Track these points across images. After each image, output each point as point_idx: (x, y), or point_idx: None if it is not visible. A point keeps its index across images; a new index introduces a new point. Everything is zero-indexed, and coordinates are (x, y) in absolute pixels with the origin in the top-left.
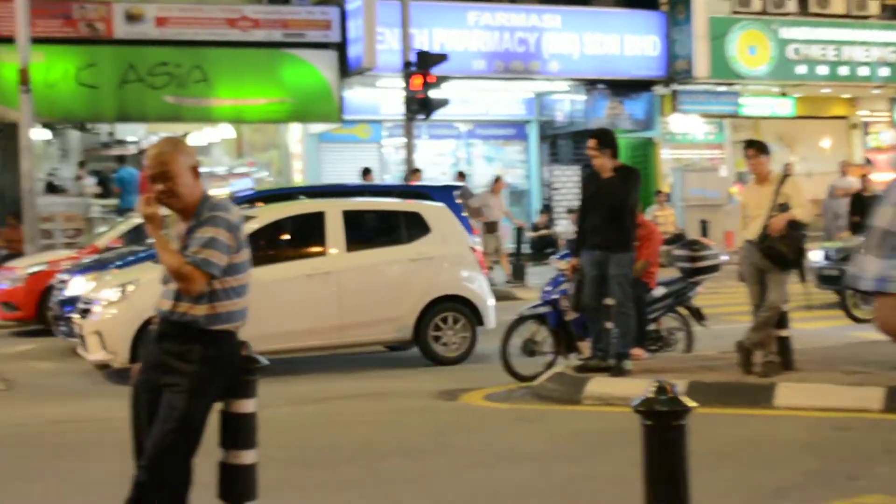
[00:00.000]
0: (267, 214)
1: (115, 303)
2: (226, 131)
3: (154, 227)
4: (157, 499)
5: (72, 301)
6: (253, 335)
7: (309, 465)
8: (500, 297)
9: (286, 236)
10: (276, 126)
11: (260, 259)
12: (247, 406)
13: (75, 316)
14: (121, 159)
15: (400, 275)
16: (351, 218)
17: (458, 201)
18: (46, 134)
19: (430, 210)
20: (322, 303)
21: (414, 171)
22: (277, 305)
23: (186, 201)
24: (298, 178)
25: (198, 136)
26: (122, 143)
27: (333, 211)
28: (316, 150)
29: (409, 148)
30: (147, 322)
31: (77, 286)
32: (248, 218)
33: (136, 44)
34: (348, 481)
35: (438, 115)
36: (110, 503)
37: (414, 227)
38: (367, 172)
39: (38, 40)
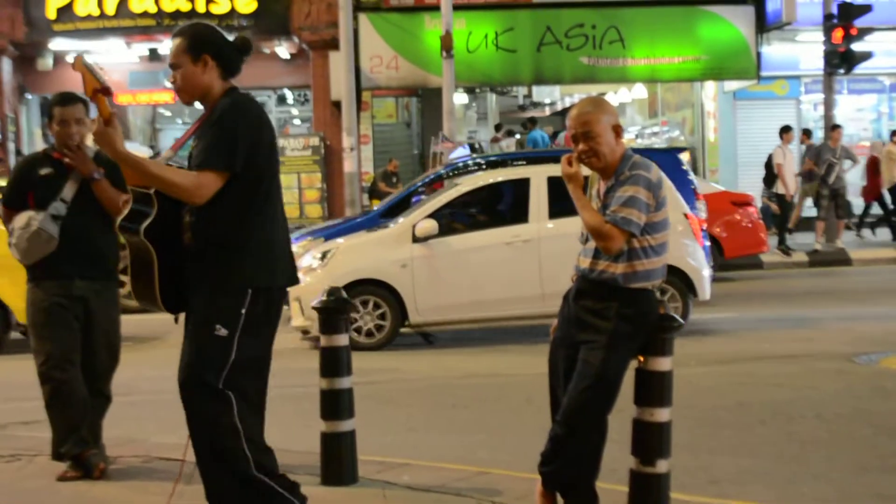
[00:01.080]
0: (472, 181)
1: (314, 270)
2: (639, 91)
3: (575, 187)
4: (573, 453)
5: None
6: (449, 304)
7: (721, 426)
8: None
9: (491, 203)
10: (689, 84)
11: (462, 228)
12: (663, 364)
13: None
14: (532, 121)
15: None
16: (556, 184)
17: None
18: (465, 98)
19: None
20: (523, 271)
21: (834, 128)
22: (476, 274)
23: (607, 160)
24: (711, 137)
25: (611, 96)
26: (537, 105)
27: (538, 177)
28: (731, 108)
29: (829, 104)
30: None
31: None
32: (454, 185)
33: (553, 7)
34: (760, 443)
35: (860, 68)
36: (526, 456)
37: None
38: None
39: (459, 7)
